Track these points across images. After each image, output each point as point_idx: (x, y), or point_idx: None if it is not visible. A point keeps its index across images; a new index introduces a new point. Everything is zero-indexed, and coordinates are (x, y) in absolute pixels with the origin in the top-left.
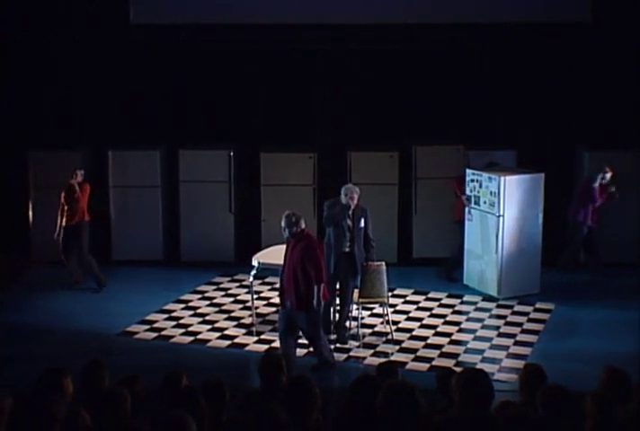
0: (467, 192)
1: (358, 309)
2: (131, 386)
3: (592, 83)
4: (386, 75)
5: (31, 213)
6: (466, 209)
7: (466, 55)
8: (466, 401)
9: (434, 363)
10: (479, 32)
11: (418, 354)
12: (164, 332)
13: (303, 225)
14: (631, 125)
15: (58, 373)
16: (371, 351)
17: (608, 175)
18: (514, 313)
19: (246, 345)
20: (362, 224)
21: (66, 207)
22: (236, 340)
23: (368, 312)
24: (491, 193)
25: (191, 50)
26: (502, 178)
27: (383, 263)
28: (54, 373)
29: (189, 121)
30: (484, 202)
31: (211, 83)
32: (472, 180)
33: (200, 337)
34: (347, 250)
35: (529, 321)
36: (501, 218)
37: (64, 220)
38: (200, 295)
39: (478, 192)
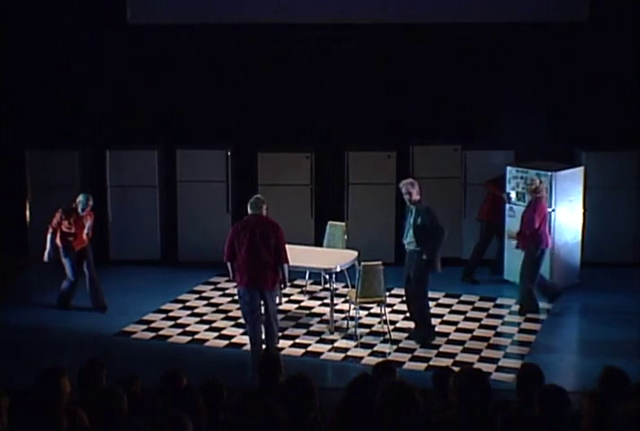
0: (509, 189)
1: (355, 309)
2: (129, 386)
3: (590, 83)
4: (384, 75)
5: (28, 212)
6: (507, 206)
7: (464, 54)
8: (463, 401)
9: (431, 362)
10: (478, 32)
11: (415, 353)
12: (161, 332)
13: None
14: (628, 125)
15: (56, 372)
16: (369, 351)
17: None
18: (512, 313)
19: (244, 344)
20: (419, 221)
21: (80, 232)
22: (234, 340)
23: (366, 312)
24: None
25: (188, 50)
26: (553, 173)
27: (380, 263)
28: (51, 373)
29: (186, 121)
30: None
31: (209, 82)
32: (515, 177)
33: (197, 336)
34: (412, 247)
35: (527, 320)
36: (553, 213)
37: (76, 245)
38: (197, 295)
39: (523, 188)
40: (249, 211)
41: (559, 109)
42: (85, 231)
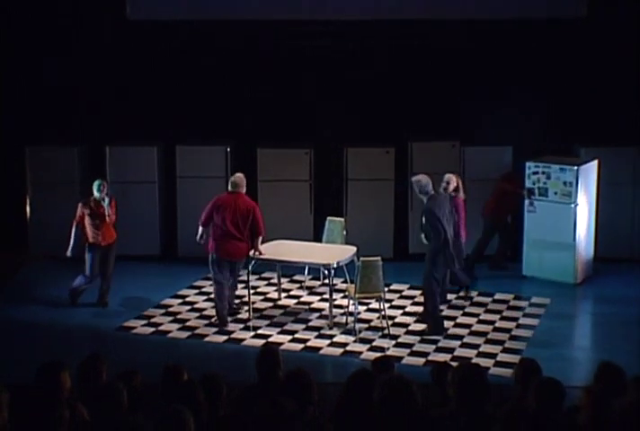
0: (529, 185)
1: (354, 304)
2: (129, 381)
3: (588, 79)
4: (383, 71)
5: (28, 209)
6: (527, 202)
7: (462, 51)
8: (461, 396)
9: (430, 357)
10: (476, 28)
11: (414, 348)
12: (161, 327)
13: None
14: (626, 121)
15: (56, 367)
16: (367, 346)
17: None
18: (510, 308)
19: (243, 340)
20: (423, 219)
21: (104, 222)
22: (233, 335)
23: (365, 307)
24: (564, 183)
25: (188, 46)
26: (578, 168)
27: (379, 258)
28: (51, 368)
29: (186, 117)
30: (555, 193)
31: (208, 79)
32: (535, 173)
33: (197, 332)
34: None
35: (525, 315)
36: (577, 207)
37: (102, 240)
38: (197, 290)
39: (545, 183)
40: (229, 188)
41: (557, 106)
42: (106, 212)
